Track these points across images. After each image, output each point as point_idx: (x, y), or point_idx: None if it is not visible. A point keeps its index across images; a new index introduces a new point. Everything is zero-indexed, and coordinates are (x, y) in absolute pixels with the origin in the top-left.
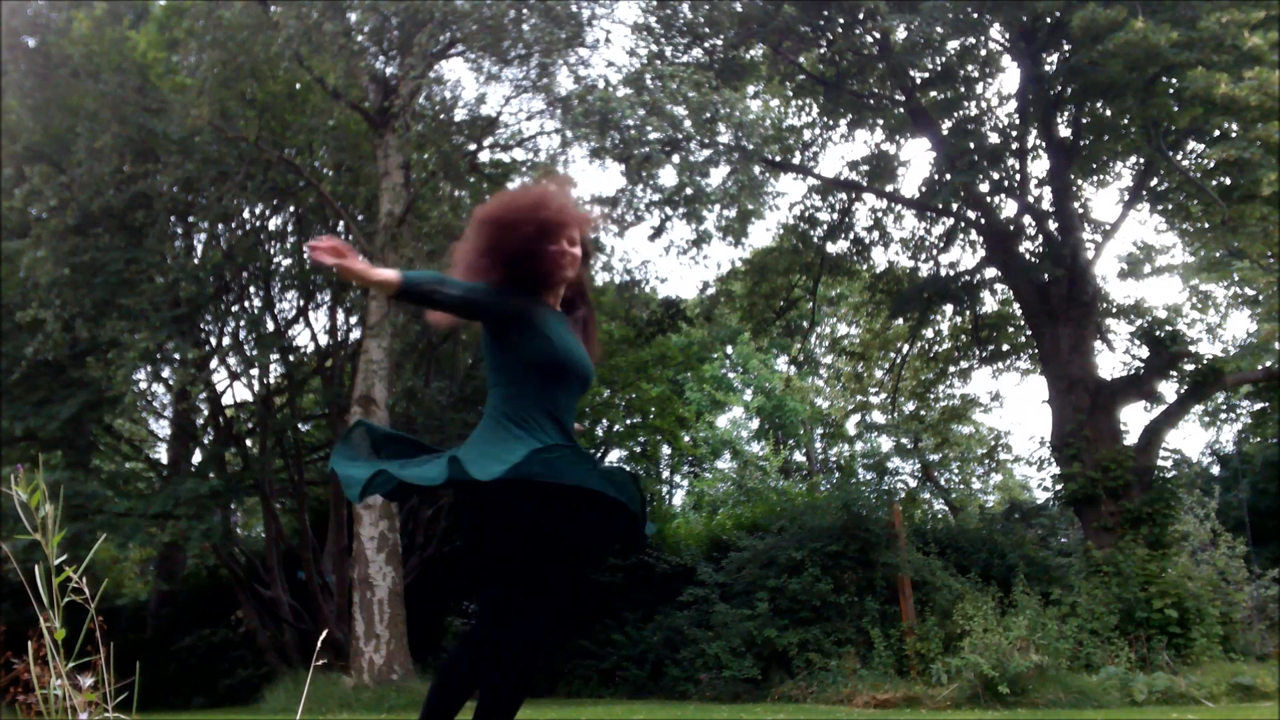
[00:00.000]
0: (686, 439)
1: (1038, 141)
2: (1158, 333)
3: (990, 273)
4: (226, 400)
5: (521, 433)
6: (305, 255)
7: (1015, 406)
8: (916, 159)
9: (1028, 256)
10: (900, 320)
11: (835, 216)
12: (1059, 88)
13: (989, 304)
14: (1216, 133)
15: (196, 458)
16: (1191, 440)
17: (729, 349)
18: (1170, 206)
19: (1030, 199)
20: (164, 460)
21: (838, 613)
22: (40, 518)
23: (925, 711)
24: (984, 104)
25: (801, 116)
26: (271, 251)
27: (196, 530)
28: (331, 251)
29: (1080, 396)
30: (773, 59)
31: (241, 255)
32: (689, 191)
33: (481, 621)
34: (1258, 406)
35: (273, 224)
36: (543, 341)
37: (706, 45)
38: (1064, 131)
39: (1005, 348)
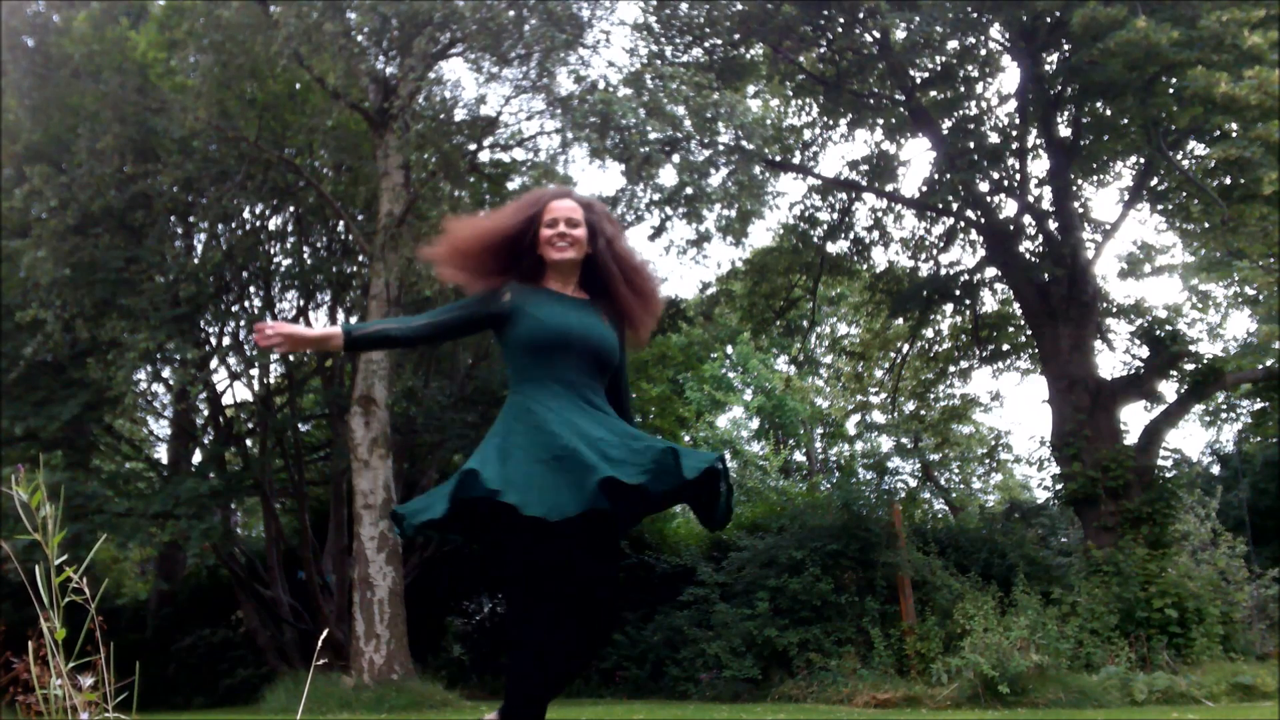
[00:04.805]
0: (687, 439)
1: (1038, 141)
2: (1158, 332)
3: (990, 272)
4: (226, 400)
5: (503, 428)
6: (254, 341)
7: (1015, 406)
8: (916, 159)
9: (1028, 256)
10: (900, 320)
11: (835, 216)
12: (1059, 87)
13: (989, 304)
14: (1216, 132)
15: (196, 458)
16: (1191, 440)
17: (729, 349)
18: (1170, 206)
19: (1030, 199)
20: (164, 460)
21: (838, 612)
22: (40, 518)
23: (925, 711)
24: (984, 104)
25: (801, 116)
26: (271, 251)
27: (196, 530)
28: (275, 335)
29: (1080, 396)
30: (773, 59)
31: (241, 255)
32: (689, 191)
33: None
34: (1258, 406)
35: (273, 224)
36: (530, 321)
37: (706, 45)
38: (1064, 131)
39: (1005, 347)
